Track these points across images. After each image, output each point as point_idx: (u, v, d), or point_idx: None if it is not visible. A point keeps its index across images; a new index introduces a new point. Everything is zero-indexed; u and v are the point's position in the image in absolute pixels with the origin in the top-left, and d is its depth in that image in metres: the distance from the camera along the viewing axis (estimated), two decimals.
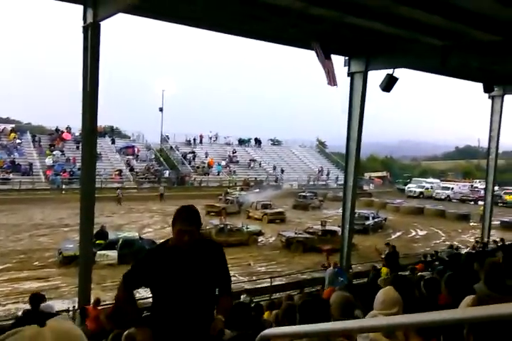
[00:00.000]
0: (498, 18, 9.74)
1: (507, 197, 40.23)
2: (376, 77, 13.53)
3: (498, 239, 18.81)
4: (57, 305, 11.07)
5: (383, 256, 14.08)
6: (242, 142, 49.20)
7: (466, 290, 3.46)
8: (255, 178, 42.01)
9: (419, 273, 8.79)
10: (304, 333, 2.04)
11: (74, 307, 10.16)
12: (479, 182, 41.41)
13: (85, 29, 9.84)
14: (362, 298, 4.76)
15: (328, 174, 47.09)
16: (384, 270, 12.21)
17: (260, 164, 45.82)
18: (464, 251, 16.18)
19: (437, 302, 3.88)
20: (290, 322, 2.94)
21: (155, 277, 2.69)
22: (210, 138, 48.04)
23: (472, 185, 46.87)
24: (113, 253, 16.27)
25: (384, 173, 53.12)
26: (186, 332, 2.68)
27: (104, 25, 10.05)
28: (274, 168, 45.38)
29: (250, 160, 46.02)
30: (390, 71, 13.00)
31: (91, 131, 10.62)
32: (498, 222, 28.46)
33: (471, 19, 9.75)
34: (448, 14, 9.48)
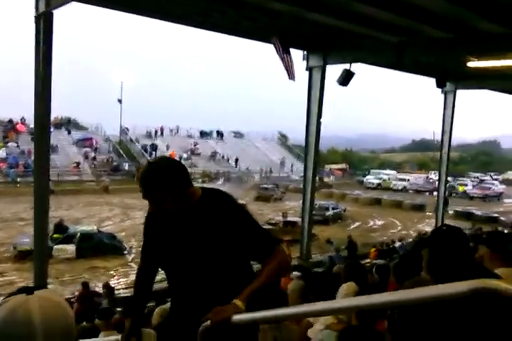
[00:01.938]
0: (449, 16, 10.09)
1: (460, 188, 41.82)
2: (335, 71, 13.81)
3: None
4: None
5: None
6: (203, 134, 48.96)
7: (412, 276, 3.67)
8: (217, 171, 41.94)
9: (374, 261, 9.14)
10: (259, 319, 2.11)
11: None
12: (434, 173, 42.82)
13: (37, 19, 9.56)
14: (318, 286, 4.94)
15: (290, 166, 47.56)
16: None
17: (223, 156, 45.74)
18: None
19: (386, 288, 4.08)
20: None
21: (152, 245, 2.23)
22: (171, 130, 47.57)
23: (427, 177, 48.46)
24: (71, 247, 15.99)
25: (344, 165, 54.14)
26: (191, 318, 2.01)
27: (60, 13, 9.83)
28: (236, 160, 45.41)
29: (212, 152, 45.89)
30: (347, 66, 13.28)
31: (44, 122, 10.37)
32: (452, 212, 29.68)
33: (424, 16, 10.07)
34: (402, 11, 9.75)
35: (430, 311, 1.14)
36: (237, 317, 1.82)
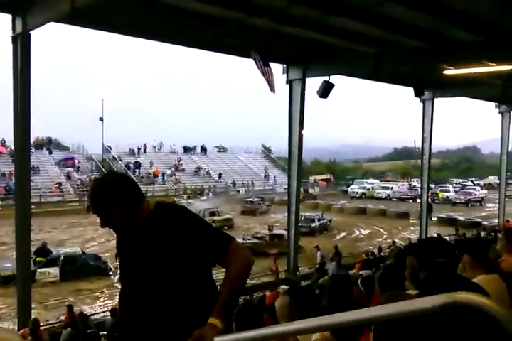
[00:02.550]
0: (424, 26, 10.32)
1: (439, 195, 42.17)
2: (315, 83, 13.97)
3: (435, 235, 19.75)
4: None
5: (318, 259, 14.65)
6: (187, 150, 48.89)
7: (397, 286, 3.67)
8: (202, 186, 41.80)
9: (359, 272, 9.13)
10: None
11: (13, 328, 9.72)
12: (417, 181, 43.25)
13: (14, 39, 9.50)
14: (304, 301, 4.89)
15: (274, 178, 47.62)
16: None
17: (208, 172, 45.60)
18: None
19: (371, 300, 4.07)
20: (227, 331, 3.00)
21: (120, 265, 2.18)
22: (155, 147, 47.40)
23: (410, 184, 48.93)
24: (54, 271, 15.71)
25: (328, 176, 54.44)
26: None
27: (39, 33, 9.79)
28: (220, 175, 45.32)
29: (196, 167, 45.77)
30: (326, 78, 13.45)
31: (24, 144, 10.24)
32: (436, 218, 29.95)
33: (400, 27, 10.28)
34: (378, 23, 9.94)
35: (404, 326, 1.14)
36: (218, 339, 1.77)
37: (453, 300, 0.90)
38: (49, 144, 41.85)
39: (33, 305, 10.51)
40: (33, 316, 9.74)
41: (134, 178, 2.17)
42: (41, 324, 9.51)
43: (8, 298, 13.24)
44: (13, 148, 34.19)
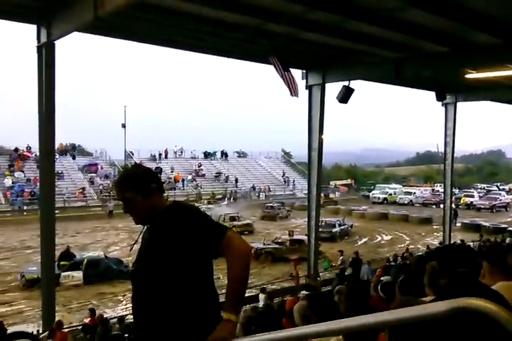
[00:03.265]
0: (445, 30, 10.23)
1: (462, 200, 41.40)
2: (335, 88, 13.97)
3: (459, 241, 19.43)
4: (22, 329, 10.81)
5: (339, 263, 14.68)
6: (207, 155, 49.16)
7: (418, 293, 3.64)
8: (225, 190, 41.93)
9: (381, 278, 9.01)
10: None
11: (38, 331, 9.93)
12: (440, 186, 42.62)
13: (39, 49, 9.78)
14: (322, 306, 4.88)
15: (294, 184, 47.52)
16: None
17: (228, 177, 45.74)
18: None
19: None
20: (248, 334, 3.03)
21: None
22: (175, 152, 47.80)
23: (433, 189, 48.23)
24: (78, 274, 15.96)
25: (349, 181, 54.01)
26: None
27: (63, 42, 10.04)
28: (236, 180, 45.34)
29: (217, 173, 46.00)
30: (346, 83, 13.43)
31: (48, 150, 10.51)
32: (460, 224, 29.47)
33: (421, 32, 10.21)
34: (398, 27, 9.90)
35: (415, 330, 1.15)
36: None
37: (461, 305, 0.91)
38: (73, 150, 42.62)
39: (57, 308, 10.72)
40: (57, 318, 9.95)
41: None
42: (65, 326, 9.68)
43: (33, 300, 13.50)
44: (38, 154, 35.05)
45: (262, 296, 11.91)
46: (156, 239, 2.00)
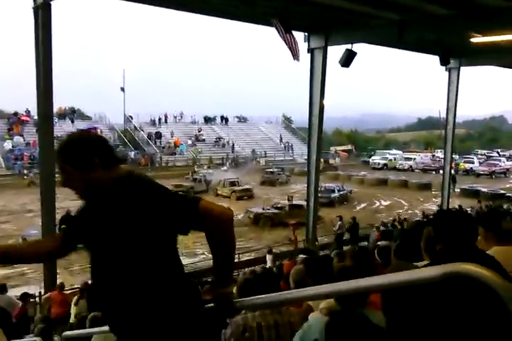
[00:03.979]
0: None
1: (460, 166, 41.36)
2: (337, 52, 13.68)
3: (456, 206, 19.60)
4: (24, 291, 11.03)
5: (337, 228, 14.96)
6: (208, 120, 48.81)
7: (414, 258, 3.68)
8: (227, 155, 41.89)
9: (377, 243, 9.16)
10: (257, 304, 2.14)
11: (40, 292, 10.16)
12: (440, 152, 42.53)
13: (36, 10, 9.53)
14: (318, 270, 4.96)
15: (294, 149, 47.43)
16: None
17: (228, 142, 45.59)
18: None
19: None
20: (246, 296, 3.08)
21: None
22: (175, 117, 47.44)
23: (434, 155, 48.18)
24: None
25: (349, 146, 53.86)
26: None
27: (60, 3, 9.77)
28: (233, 145, 45.21)
29: (217, 138, 45.83)
30: (349, 46, 13.14)
31: (47, 114, 10.43)
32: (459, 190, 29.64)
33: None
34: None
35: (407, 294, 1.16)
36: (237, 301, 1.88)
37: (454, 270, 0.90)
38: (72, 114, 42.28)
39: (58, 271, 10.92)
40: (58, 281, 10.16)
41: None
42: (66, 288, 9.89)
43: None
44: (36, 117, 34.82)
45: (269, 257, 12.53)
46: (112, 214, 1.73)
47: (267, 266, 11.12)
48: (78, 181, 1.80)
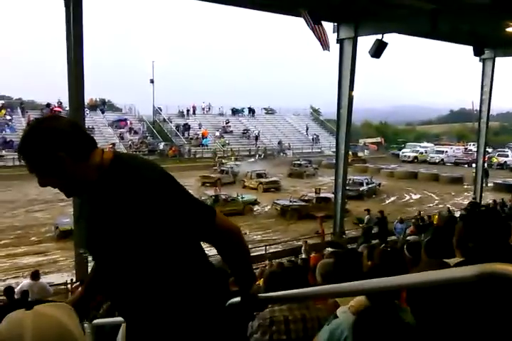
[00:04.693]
0: None
1: (493, 160, 40.22)
2: (366, 42, 13.45)
3: (491, 201, 19.12)
4: (56, 278, 11.34)
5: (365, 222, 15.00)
6: (235, 112, 48.89)
7: (445, 254, 3.60)
8: (257, 147, 41.90)
9: (407, 237, 9.06)
10: (284, 297, 2.14)
11: (72, 280, 10.43)
12: (473, 144, 41.49)
13: (67, 2, 9.67)
14: (348, 264, 4.92)
15: (322, 141, 47.09)
16: None
17: (256, 134, 45.57)
18: (457, 214, 16.46)
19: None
20: (272, 290, 3.08)
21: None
22: (203, 108, 47.70)
23: (466, 148, 47.07)
24: None
25: (378, 139, 53.03)
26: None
27: None
28: (256, 137, 45.13)
29: (244, 129, 45.88)
30: (379, 36, 12.90)
31: (78, 105, 10.61)
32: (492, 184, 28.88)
33: None
34: None
35: (440, 294, 1.13)
36: (263, 295, 1.88)
37: (489, 270, 0.87)
38: (103, 105, 43.02)
39: (89, 258, 11.17)
40: (89, 268, 10.40)
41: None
42: None
43: (67, 251, 14.12)
44: (68, 108, 35.58)
45: (304, 248, 12.66)
46: (110, 215, 1.44)
47: (303, 257, 11.22)
48: (50, 181, 1.49)
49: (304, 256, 11.73)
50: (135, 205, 1.41)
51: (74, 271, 11.08)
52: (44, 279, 9.69)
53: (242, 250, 1.69)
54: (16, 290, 7.82)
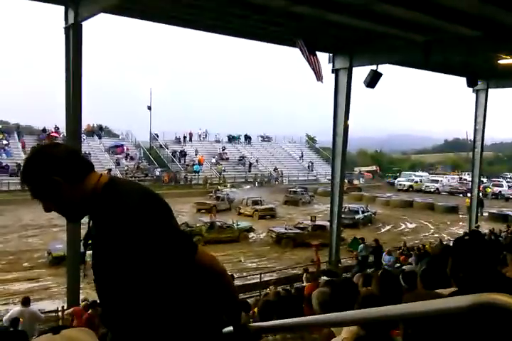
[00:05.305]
0: (477, 14, 9.87)
1: (487, 190, 40.26)
2: (361, 72, 13.70)
3: (486, 231, 19.06)
4: (48, 305, 11.11)
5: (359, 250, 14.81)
6: (231, 139, 49.20)
7: (441, 284, 3.56)
8: (255, 175, 41.94)
9: (403, 267, 8.98)
10: (278, 326, 2.10)
11: (63, 307, 10.22)
12: (468, 174, 41.71)
13: (67, 30, 9.84)
14: (343, 293, 4.85)
15: (317, 169, 47.24)
16: None
17: (251, 162, 45.75)
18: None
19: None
20: (266, 319, 3.04)
21: None
22: (200, 135, 47.98)
23: (461, 178, 47.29)
24: None
25: (374, 167, 53.37)
26: None
27: (91, 24, 10.09)
28: (250, 164, 45.31)
29: (240, 156, 46.06)
30: (374, 67, 13.15)
31: (75, 131, 10.65)
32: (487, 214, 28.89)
33: (451, 14, 9.88)
34: (427, 10, 9.60)
35: (433, 324, 1.12)
36: (256, 324, 1.84)
37: (485, 300, 0.86)
38: (100, 131, 43.22)
39: (81, 285, 10.99)
40: (81, 296, 10.22)
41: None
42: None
43: (59, 277, 13.88)
44: (65, 134, 35.67)
45: (305, 276, 12.41)
46: (102, 238, 1.52)
47: (296, 286, 11.04)
48: (50, 204, 1.56)
49: (304, 283, 11.55)
50: (114, 231, 1.44)
51: (65, 298, 10.86)
52: (35, 306, 9.50)
53: (223, 283, 1.70)
54: (4, 318, 7.65)
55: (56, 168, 1.49)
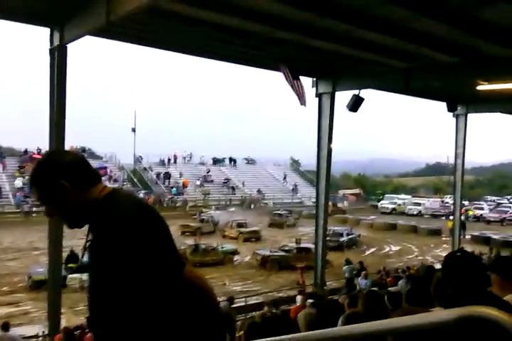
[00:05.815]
0: (455, 41, 10.21)
1: (469, 212, 40.72)
2: (345, 97, 13.95)
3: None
4: (28, 330, 10.83)
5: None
6: (216, 161, 49.26)
7: (426, 304, 3.60)
8: (241, 197, 41.91)
9: (389, 288, 8.98)
10: None
11: (43, 332, 9.95)
12: (450, 197, 42.20)
13: (52, 51, 9.87)
14: (329, 315, 4.86)
15: (301, 192, 47.37)
16: None
17: (243, 184, 45.69)
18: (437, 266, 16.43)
19: None
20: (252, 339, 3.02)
21: None
22: (184, 157, 47.97)
23: (443, 201, 47.79)
24: (84, 277, 15.99)
25: (357, 190, 53.74)
26: None
27: (76, 46, 10.13)
28: (233, 188, 45.30)
29: (225, 179, 46.03)
30: (356, 92, 13.41)
31: None
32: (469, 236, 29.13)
33: (431, 42, 10.20)
34: (408, 37, 9.90)
35: (420, 338, 1.14)
36: None
37: (470, 314, 0.89)
38: (82, 153, 42.93)
39: (63, 310, 10.72)
40: (62, 320, 9.96)
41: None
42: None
43: (40, 302, 13.54)
44: None
45: (299, 298, 12.12)
46: (94, 244, 1.53)
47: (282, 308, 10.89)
48: (54, 208, 1.60)
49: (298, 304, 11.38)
50: (103, 237, 1.47)
51: (46, 323, 10.57)
52: (15, 331, 9.22)
53: (211, 301, 1.69)
54: None
55: (63, 172, 1.56)
